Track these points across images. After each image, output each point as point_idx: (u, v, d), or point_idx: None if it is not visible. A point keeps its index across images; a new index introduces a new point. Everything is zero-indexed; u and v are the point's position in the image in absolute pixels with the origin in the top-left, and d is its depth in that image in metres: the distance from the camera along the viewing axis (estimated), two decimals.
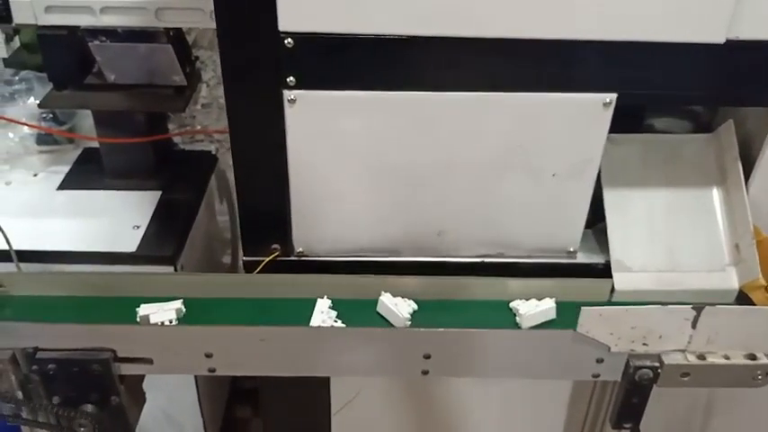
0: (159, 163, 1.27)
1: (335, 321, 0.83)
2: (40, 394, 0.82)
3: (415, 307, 0.85)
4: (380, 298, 0.84)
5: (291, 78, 0.76)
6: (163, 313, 0.82)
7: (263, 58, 0.75)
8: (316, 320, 0.83)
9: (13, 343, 0.79)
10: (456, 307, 0.87)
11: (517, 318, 0.85)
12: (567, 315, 0.82)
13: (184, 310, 0.84)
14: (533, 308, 0.84)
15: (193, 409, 1.31)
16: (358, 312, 0.84)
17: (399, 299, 0.85)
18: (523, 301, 0.86)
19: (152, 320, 0.82)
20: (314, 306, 0.84)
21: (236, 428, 1.60)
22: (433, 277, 0.87)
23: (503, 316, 0.86)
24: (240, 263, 1.51)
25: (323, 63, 0.76)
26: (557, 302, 0.85)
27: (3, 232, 0.89)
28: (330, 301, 0.85)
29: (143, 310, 0.83)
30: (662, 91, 0.80)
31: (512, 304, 0.86)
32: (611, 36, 0.75)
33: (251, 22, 0.72)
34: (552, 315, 0.85)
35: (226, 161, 1.41)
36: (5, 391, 0.81)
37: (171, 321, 0.82)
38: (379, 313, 0.85)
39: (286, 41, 0.73)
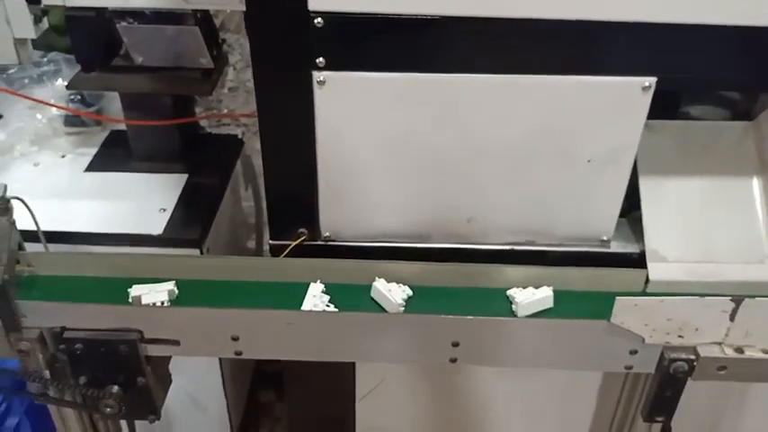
0: (186, 146, 1.27)
1: (327, 306, 0.82)
2: (66, 374, 0.82)
3: (410, 293, 0.83)
4: (374, 283, 0.83)
5: (321, 59, 0.75)
6: (155, 294, 0.82)
7: (293, 38, 0.73)
8: (307, 304, 0.82)
9: (41, 322, 0.80)
10: (452, 294, 0.84)
11: (513, 306, 0.82)
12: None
13: (177, 291, 0.83)
14: (530, 296, 0.82)
15: (218, 391, 1.32)
16: (351, 297, 0.83)
17: (394, 284, 0.83)
18: (520, 289, 0.83)
19: (143, 301, 0.81)
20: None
21: (260, 412, 1.61)
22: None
23: (499, 304, 0.83)
24: (265, 248, 1.51)
25: (353, 43, 0.74)
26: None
27: (31, 213, 0.89)
28: (323, 286, 0.84)
29: (135, 290, 0.82)
30: (703, 75, 0.77)
31: (509, 292, 0.84)
32: (652, 17, 0.72)
33: (280, 1, 0.71)
34: (549, 304, 0.82)
35: (251, 145, 1.41)
36: (33, 370, 0.82)
37: (162, 303, 0.81)
38: (373, 299, 0.83)
39: (316, 21, 0.72)
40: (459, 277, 0.84)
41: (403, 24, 0.73)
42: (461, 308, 0.81)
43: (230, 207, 1.36)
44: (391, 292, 0.82)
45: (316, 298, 0.82)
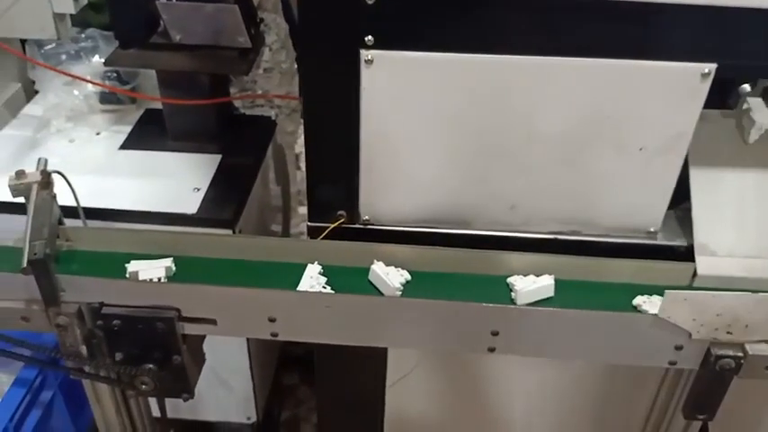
0: (220, 126, 1.27)
1: (324, 287, 0.81)
2: (102, 350, 0.83)
3: (408, 277, 0.82)
4: (372, 266, 0.82)
5: (370, 38, 0.73)
6: (152, 270, 0.81)
7: (343, 15, 0.72)
8: (304, 285, 0.81)
9: (80, 297, 0.80)
10: (451, 279, 0.83)
11: (512, 293, 0.80)
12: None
13: (174, 268, 0.83)
14: (530, 284, 0.80)
15: (245, 372, 1.32)
16: (349, 280, 0.82)
17: (392, 268, 0.82)
18: (521, 276, 0.81)
19: (140, 277, 0.81)
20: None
21: (285, 394, 1.62)
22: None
23: (498, 291, 0.81)
24: (292, 230, 1.51)
25: (404, 22, 0.72)
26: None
27: (72, 188, 0.89)
28: (321, 267, 0.83)
29: (132, 266, 0.82)
30: (765, 63, 0.74)
31: (509, 279, 0.82)
32: (713, 1, 0.69)
33: None
34: (550, 293, 0.80)
35: (283, 127, 1.40)
36: (70, 345, 0.82)
37: (159, 279, 0.81)
38: (370, 282, 0.82)
39: None
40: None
41: (454, 3, 0.70)
42: (461, 294, 0.80)
43: (261, 189, 1.35)
44: (389, 276, 0.80)
45: (312, 279, 0.81)
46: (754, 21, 0.70)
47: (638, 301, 0.80)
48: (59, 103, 1.29)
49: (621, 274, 0.83)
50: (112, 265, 0.86)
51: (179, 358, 0.83)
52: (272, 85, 1.36)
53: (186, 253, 0.86)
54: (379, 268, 0.82)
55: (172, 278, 0.83)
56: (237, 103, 1.37)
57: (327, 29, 0.74)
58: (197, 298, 0.79)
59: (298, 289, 0.81)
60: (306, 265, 0.83)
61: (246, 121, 1.36)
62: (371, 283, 0.82)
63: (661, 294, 0.76)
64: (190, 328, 0.82)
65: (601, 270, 0.83)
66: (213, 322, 0.81)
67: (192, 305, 0.79)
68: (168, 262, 0.83)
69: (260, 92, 1.36)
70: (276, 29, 1.29)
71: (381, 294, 0.81)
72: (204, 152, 1.24)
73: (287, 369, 1.65)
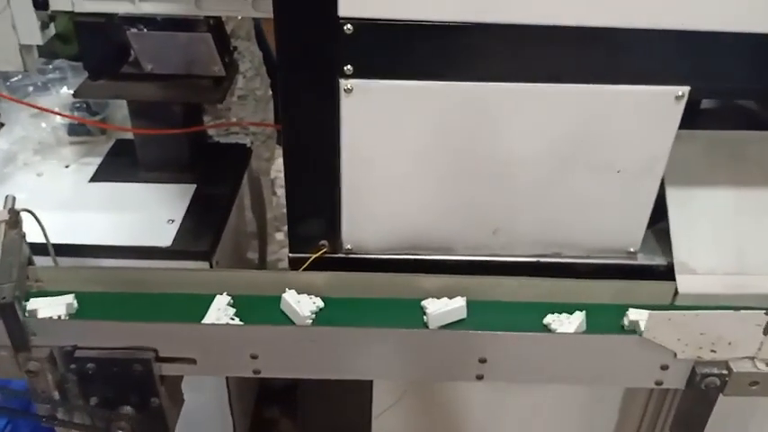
0: (194, 156, 1.25)
1: (232, 319, 0.80)
2: (76, 395, 0.79)
3: (321, 305, 0.82)
4: (283, 295, 0.81)
5: (349, 67, 0.73)
6: (54, 308, 0.78)
7: (321, 45, 0.71)
8: (210, 317, 0.79)
9: (51, 341, 0.76)
10: (366, 304, 0.83)
11: (424, 317, 0.80)
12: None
13: (76, 305, 0.81)
14: (442, 306, 0.80)
15: (223, 406, 1.28)
16: (259, 309, 0.81)
17: (304, 296, 0.81)
18: (434, 299, 0.82)
19: (40, 315, 0.77)
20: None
21: (265, 429, 1.57)
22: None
23: (412, 314, 0.81)
24: (269, 258, 1.48)
25: (382, 51, 0.72)
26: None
27: (41, 226, 0.86)
28: (230, 298, 0.82)
29: (31, 304, 0.79)
30: (738, 85, 0.76)
31: (423, 302, 0.82)
32: (685, 25, 0.71)
33: (309, 7, 0.69)
34: (463, 314, 0.81)
35: (258, 154, 1.38)
36: (42, 390, 0.79)
37: (60, 317, 0.78)
38: (282, 311, 0.81)
39: (345, 27, 0.70)
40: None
41: (433, 32, 0.71)
42: (374, 319, 0.80)
43: (236, 217, 1.33)
44: (300, 304, 0.80)
45: (220, 311, 0.80)
46: (724, 43, 0.72)
47: (548, 319, 0.81)
48: (26, 136, 1.26)
49: (603, 295, 0.83)
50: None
51: (157, 400, 0.80)
52: (247, 112, 1.35)
53: (163, 289, 0.84)
54: (290, 297, 0.81)
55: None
56: (212, 132, 1.35)
57: (306, 59, 0.73)
58: (175, 337, 0.77)
59: (204, 321, 0.79)
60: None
61: (221, 150, 1.34)
62: (283, 311, 0.81)
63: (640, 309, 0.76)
64: (168, 369, 0.79)
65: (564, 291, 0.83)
66: (193, 361, 0.78)
67: (169, 345, 0.77)
68: (70, 299, 0.80)
69: (234, 119, 1.34)
70: (250, 56, 1.28)
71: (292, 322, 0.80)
72: (178, 182, 1.22)
73: (267, 402, 1.61)
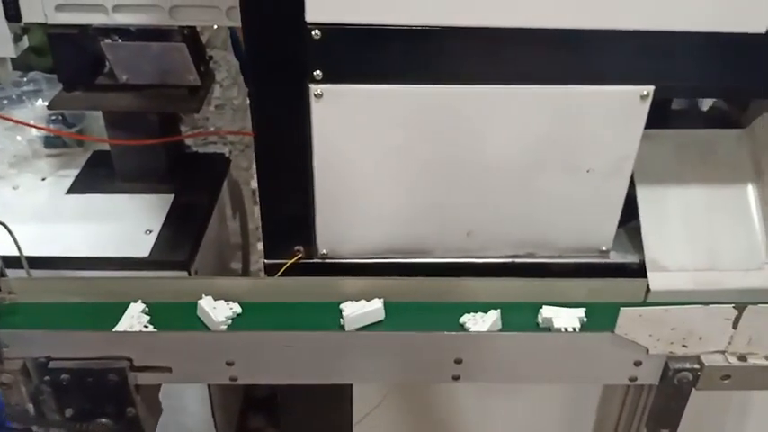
0: (172, 166, 1.25)
1: (146, 327, 0.80)
2: (51, 407, 0.78)
3: (239, 310, 0.82)
4: (200, 301, 0.81)
5: (318, 72, 0.73)
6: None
7: (290, 51, 0.72)
8: (122, 325, 0.79)
9: (25, 352, 0.76)
10: (283, 308, 0.83)
11: (341, 320, 0.81)
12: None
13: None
14: (360, 308, 0.80)
15: (206, 417, 1.27)
16: (175, 316, 0.81)
17: (221, 302, 0.81)
18: (353, 302, 0.82)
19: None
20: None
21: None
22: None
23: (330, 317, 0.81)
24: (252, 267, 1.48)
25: (351, 56, 0.73)
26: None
27: (13, 238, 0.85)
28: (144, 305, 0.82)
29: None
30: (701, 84, 0.77)
31: (341, 305, 0.82)
32: (648, 25, 0.73)
33: (277, 13, 0.70)
34: (380, 316, 0.81)
35: (237, 163, 1.38)
36: (15, 404, 0.78)
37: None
38: (199, 317, 0.82)
39: (313, 33, 0.71)
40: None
41: (401, 36, 0.72)
42: (292, 322, 0.80)
43: (216, 227, 1.33)
44: (216, 310, 0.80)
45: (133, 318, 0.80)
46: (687, 43, 0.74)
47: (464, 318, 0.82)
48: (2, 149, 1.25)
49: (576, 294, 0.84)
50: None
51: (133, 410, 0.79)
52: (225, 121, 1.35)
53: (148, 299, 0.83)
54: (205, 303, 0.81)
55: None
56: (190, 142, 1.35)
57: (275, 65, 0.74)
58: (149, 345, 0.76)
59: (115, 329, 0.79)
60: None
61: (199, 159, 1.34)
62: (200, 318, 0.81)
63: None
64: (144, 378, 0.78)
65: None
66: (168, 370, 0.78)
67: (143, 353, 0.76)
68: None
69: (212, 129, 1.34)
70: (226, 66, 1.29)
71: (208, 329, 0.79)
72: (156, 193, 1.22)
73: (252, 411, 1.60)
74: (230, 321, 0.81)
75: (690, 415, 0.83)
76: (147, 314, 0.81)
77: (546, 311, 0.81)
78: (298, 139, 0.77)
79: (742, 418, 1.04)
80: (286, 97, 0.75)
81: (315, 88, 0.74)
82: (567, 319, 0.80)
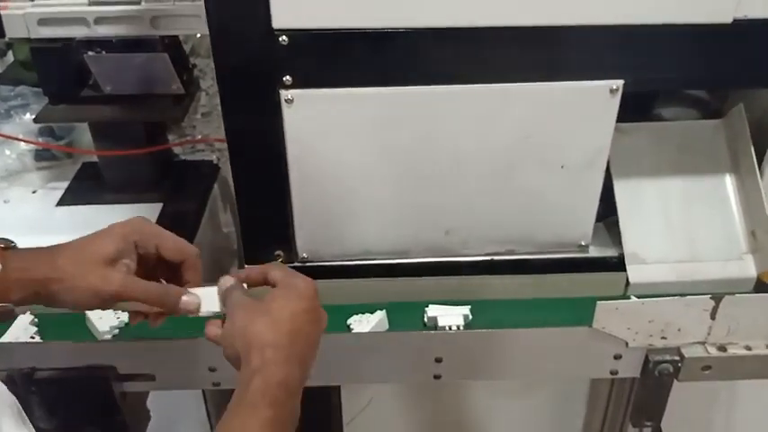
0: (160, 175, 1.25)
1: (32, 338, 0.81)
2: (38, 417, 0.79)
3: (126, 320, 0.81)
4: (87, 312, 0.82)
5: (288, 78, 0.74)
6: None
7: (258, 57, 0.73)
8: (8, 336, 0.80)
9: (10, 363, 0.77)
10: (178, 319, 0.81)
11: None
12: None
13: None
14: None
15: (202, 420, 1.28)
16: (61, 327, 0.82)
17: (109, 312, 0.82)
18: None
19: None
20: None
21: None
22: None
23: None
24: None
25: (320, 60, 0.74)
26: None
27: None
28: (33, 317, 0.83)
29: None
30: (669, 75, 0.77)
31: (349, 320, 0.83)
32: (615, 20, 0.73)
33: (243, 20, 0.71)
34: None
35: (228, 170, 1.39)
36: None
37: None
38: (87, 327, 0.82)
39: (281, 39, 0.71)
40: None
41: (369, 39, 0.72)
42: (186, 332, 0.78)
43: (210, 234, 1.33)
44: (101, 320, 0.81)
45: (19, 329, 0.81)
46: (652, 36, 0.74)
47: (351, 320, 0.83)
48: None
49: (555, 289, 0.84)
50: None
51: (120, 418, 0.81)
52: (212, 128, 1.36)
53: (131, 308, 0.84)
54: (92, 313, 0.81)
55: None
56: (178, 150, 1.36)
57: (245, 71, 0.74)
58: (132, 354, 0.77)
59: (1, 340, 0.80)
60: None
61: (187, 167, 1.35)
62: (88, 328, 0.82)
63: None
64: (128, 386, 0.79)
65: None
66: (152, 378, 0.79)
67: (128, 362, 0.77)
68: None
69: (199, 136, 1.35)
70: (211, 73, 1.29)
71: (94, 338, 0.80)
72: (144, 202, 1.22)
73: None
74: (116, 331, 0.81)
75: (675, 406, 0.83)
76: (35, 325, 0.83)
77: (431, 310, 0.82)
78: (271, 144, 0.78)
79: (728, 408, 1.03)
80: (257, 103, 0.76)
81: (285, 94, 0.75)
82: (452, 317, 0.81)
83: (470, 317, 0.83)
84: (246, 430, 0.53)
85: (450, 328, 0.80)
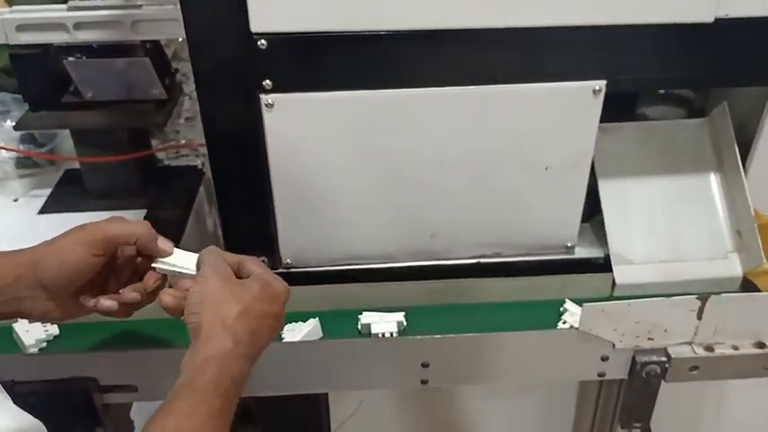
0: (143, 181, 1.24)
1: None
2: None
3: (56, 332, 0.81)
4: (14, 324, 0.81)
5: (268, 82, 0.73)
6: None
7: (237, 62, 0.72)
8: None
9: None
10: (106, 327, 0.81)
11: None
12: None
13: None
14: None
15: None
16: None
17: (37, 325, 0.81)
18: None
19: None
20: None
21: None
22: None
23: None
24: None
25: (300, 64, 0.73)
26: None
27: None
28: None
29: None
30: (652, 75, 0.77)
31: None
32: (596, 20, 0.73)
33: (221, 24, 0.70)
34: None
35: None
36: None
37: None
38: (14, 339, 0.82)
39: (259, 43, 0.70)
40: None
41: (348, 42, 0.71)
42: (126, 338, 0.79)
43: (197, 239, 1.32)
44: (28, 333, 0.80)
45: None
46: (634, 36, 0.74)
47: (285, 329, 0.82)
48: None
49: (549, 291, 0.84)
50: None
51: (103, 430, 0.79)
52: (196, 133, 1.34)
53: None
54: (19, 326, 0.80)
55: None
56: (162, 155, 1.35)
57: (224, 76, 0.73)
58: (114, 364, 0.76)
59: None
60: None
61: (171, 173, 1.33)
62: (15, 341, 0.81)
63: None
64: (110, 398, 0.78)
65: None
66: (134, 389, 0.78)
67: (108, 373, 0.76)
68: None
69: (183, 141, 1.34)
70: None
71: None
72: (127, 208, 1.21)
73: (244, 421, 1.59)
74: (44, 344, 0.81)
75: (665, 406, 0.83)
76: None
77: (365, 317, 0.82)
78: (252, 149, 0.77)
79: (717, 407, 1.03)
80: (237, 109, 0.75)
81: (265, 98, 0.74)
82: (385, 324, 0.81)
83: (405, 323, 0.82)
84: (194, 416, 0.53)
85: (383, 335, 0.79)
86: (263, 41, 0.70)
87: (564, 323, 0.82)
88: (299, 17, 0.70)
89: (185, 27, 0.70)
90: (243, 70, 0.72)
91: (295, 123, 0.76)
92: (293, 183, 0.80)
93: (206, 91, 0.74)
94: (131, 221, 0.68)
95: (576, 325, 0.77)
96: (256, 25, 0.70)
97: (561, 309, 0.84)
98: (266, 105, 0.74)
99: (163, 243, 0.68)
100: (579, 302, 0.80)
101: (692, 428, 1.06)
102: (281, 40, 0.71)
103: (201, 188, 1.34)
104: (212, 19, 0.69)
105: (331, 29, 0.71)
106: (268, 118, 0.75)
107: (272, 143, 0.77)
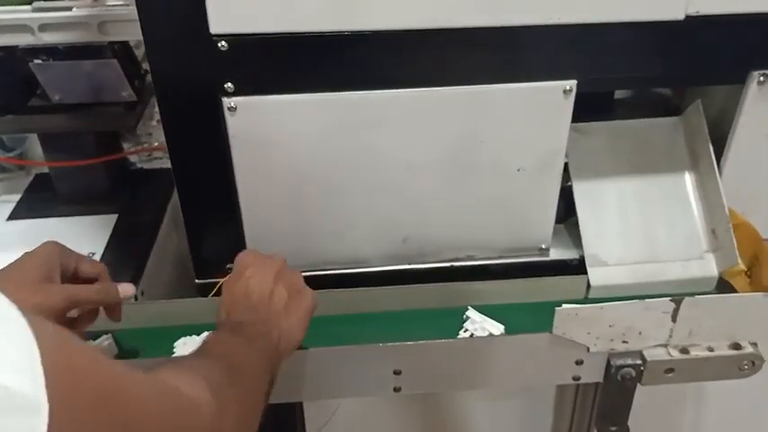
0: (114, 184, 1.21)
1: None
2: None
3: None
4: None
5: (229, 85, 0.71)
6: None
7: (197, 64, 0.70)
8: None
9: None
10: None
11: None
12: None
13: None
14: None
15: None
16: None
17: None
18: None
19: None
20: None
21: None
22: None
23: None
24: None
25: (263, 66, 0.71)
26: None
27: None
28: None
29: None
30: (623, 74, 0.76)
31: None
32: (565, 19, 0.71)
33: (179, 25, 0.68)
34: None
35: None
36: None
37: None
38: None
39: (220, 45, 0.68)
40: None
41: (311, 43, 0.70)
42: None
43: (172, 244, 1.30)
44: None
45: None
46: (604, 35, 0.73)
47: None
48: None
49: (516, 295, 0.83)
50: None
51: None
52: None
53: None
54: None
55: None
56: (135, 158, 1.32)
57: (184, 79, 0.71)
58: None
59: None
60: None
61: (144, 176, 1.31)
62: None
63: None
64: None
65: None
66: None
67: None
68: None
69: (156, 144, 1.31)
70: None
71: None
72: (98, 213, 1.18)
73: None
74: None
75: (642, 407, 0.82)
76: None
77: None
78: (216, 154, 0.75)
79: (695, 407, 1.03)
80: (198, 113, 0.73)
81: (227, 102, 0.72)
82: None
83: None
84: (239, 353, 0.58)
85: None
86: (223, 43, 0.68)
87: (465, 331, 0.80)
88: (260, 18, 0.68)
89: (141, 28, 0.68)
90: (203, 73, 0.70)
91: (260, 126, 0.74)
92: (260, 188, 0.78)
93: (165, 95, 0.72)
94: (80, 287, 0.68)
95: (477, 333, 0.76)
96: (216, 26, 0.68)
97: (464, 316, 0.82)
98: (229, 109, 0.72)
99: (124, 289, 0.68)
100: (554, 305, 0.79)
101: (671, 429, 1.05)
102: (243, 42, 0.69)
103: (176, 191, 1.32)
104: (169, 19, 0.67)
105: (294, 30, 0.69)
106: (231, 122, 0.73)
107: (237, 147, 0.75)
